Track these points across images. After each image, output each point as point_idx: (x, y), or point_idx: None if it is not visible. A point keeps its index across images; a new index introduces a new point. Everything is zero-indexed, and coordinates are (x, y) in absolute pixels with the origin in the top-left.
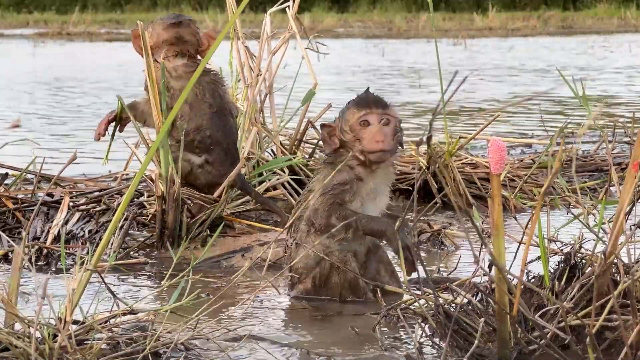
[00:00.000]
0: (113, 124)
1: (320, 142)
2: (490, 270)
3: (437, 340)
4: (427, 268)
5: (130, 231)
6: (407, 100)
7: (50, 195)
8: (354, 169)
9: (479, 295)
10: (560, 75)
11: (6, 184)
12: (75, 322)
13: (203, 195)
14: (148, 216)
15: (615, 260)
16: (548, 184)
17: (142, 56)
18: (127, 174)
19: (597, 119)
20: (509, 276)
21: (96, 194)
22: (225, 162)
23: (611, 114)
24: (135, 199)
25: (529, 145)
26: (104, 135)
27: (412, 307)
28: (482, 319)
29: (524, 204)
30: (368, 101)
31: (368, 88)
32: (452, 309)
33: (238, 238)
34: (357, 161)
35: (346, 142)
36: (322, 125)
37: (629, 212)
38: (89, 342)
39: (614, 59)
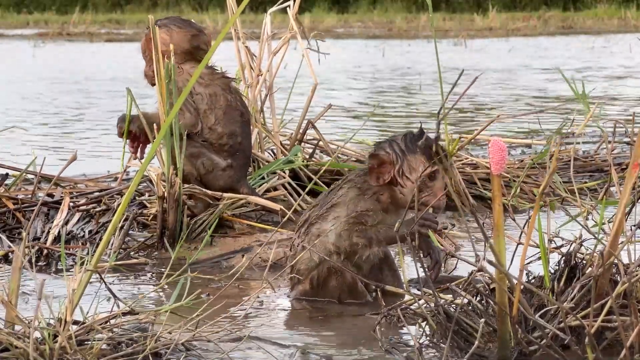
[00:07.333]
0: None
1: (321, 142)
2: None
3: (437, 340)
4: (427, 268)
5: (130, 231)
6: (408, 100)
7: (50, 195)
8: (382, 203)
9: (479, 295)
10: (562, 75)
11: (6, 184)
12: (75, 322)
13: (210, 193)
14: (148, 216)
15: (616, 261)
16: (545, 184)
17: (144, 59)
18: (127, 174)
19: (597, 119)
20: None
21: (96, 194)
22: (244, 168)
23: (611, 114)
24: (136, 197)
25: (529, 146)
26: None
27: (412, 307)
28: (483, 320)
29: (523, 204)
30: (437, 153)
31: (422, 129)
32: (452, 310)
33: (238, 238)
34: (390, 198)
35: (399, 183)
36: (373, 156)
37: (628, 212)
38: (89, 342)
39: (614, 59)
